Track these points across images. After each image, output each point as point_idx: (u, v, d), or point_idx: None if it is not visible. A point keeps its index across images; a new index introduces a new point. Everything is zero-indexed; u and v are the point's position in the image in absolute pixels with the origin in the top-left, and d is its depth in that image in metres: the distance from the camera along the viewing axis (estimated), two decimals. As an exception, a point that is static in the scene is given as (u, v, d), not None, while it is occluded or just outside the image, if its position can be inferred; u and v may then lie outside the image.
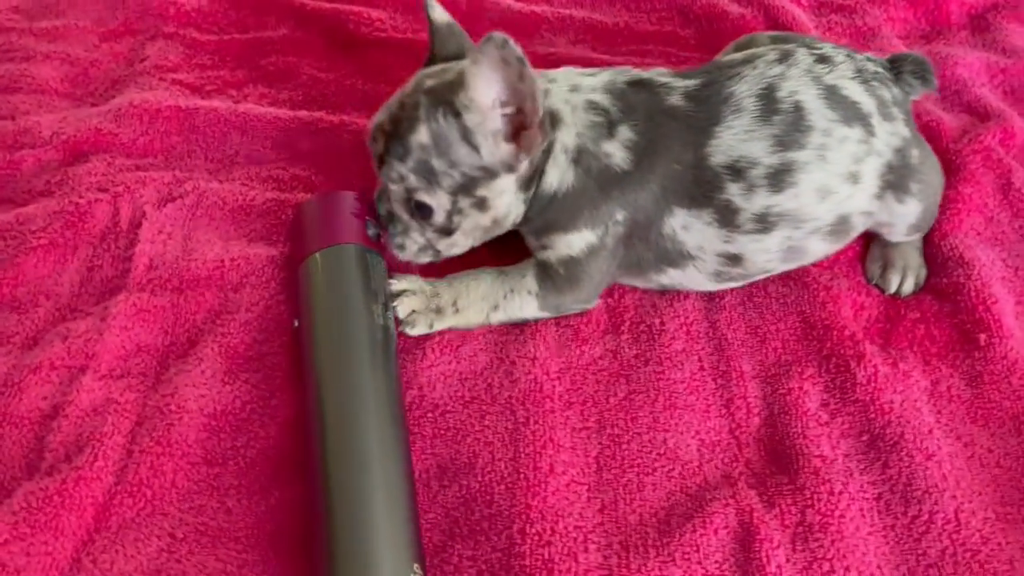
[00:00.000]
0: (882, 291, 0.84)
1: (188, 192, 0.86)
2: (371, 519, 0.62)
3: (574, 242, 0.76)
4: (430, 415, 0.73)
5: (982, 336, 0.78)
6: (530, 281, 0.78)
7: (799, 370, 0.77)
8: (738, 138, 0.74)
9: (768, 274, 0.82)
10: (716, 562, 0.64)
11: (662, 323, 0.80)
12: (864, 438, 0.72)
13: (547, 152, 0.74)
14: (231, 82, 1.00)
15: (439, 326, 0.78)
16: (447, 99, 0.70)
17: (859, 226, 0.80)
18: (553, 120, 0.74)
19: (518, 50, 0.64)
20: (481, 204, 0.73)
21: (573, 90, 0.76)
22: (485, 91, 0.68)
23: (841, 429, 0.73)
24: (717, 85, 0.77)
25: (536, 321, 0.79)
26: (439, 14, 0.78)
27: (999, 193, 0.91)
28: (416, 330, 0.77)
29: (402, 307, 0.77)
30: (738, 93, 0.76)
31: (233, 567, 0.64)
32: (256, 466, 0.70)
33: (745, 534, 0.66)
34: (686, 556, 0.64)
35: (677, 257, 0.78)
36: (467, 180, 0.72)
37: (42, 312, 0.78)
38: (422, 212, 0.74)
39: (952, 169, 0.90)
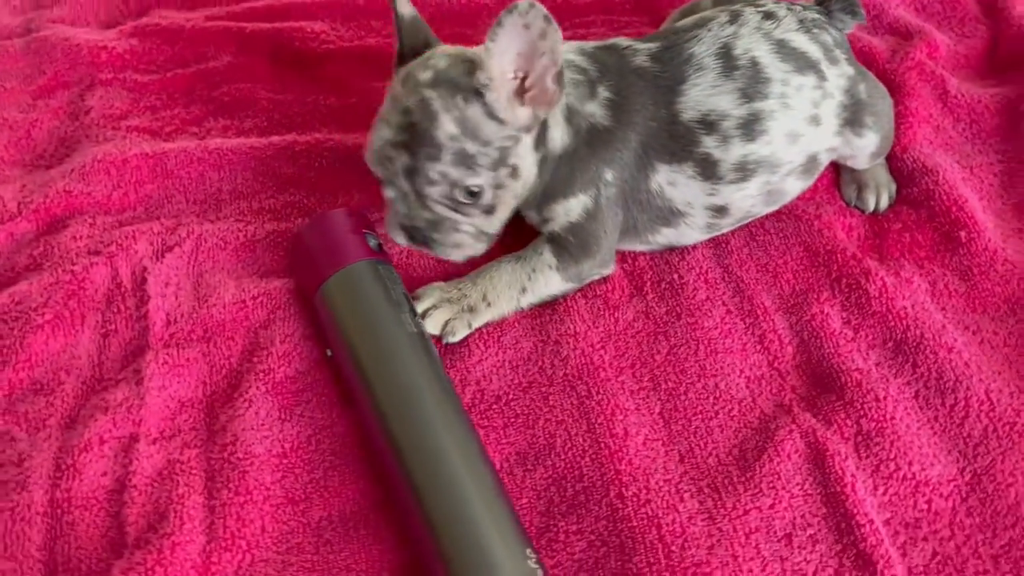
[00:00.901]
0: (862, 211, 0.91)
1: (184, 238, 0.84)
2: (475, 521, 0.64)
3: (572, 208, 0.79)
4: (495, 407, 0.75)
5: (962, 233, 0.86)
6: (548, 256, 0.81)
7: (815, 296, 0.82)
8: (705, 93, 0.79)
9: (754, 217, 0.87)
10: (799, 484, 0.69)
11: (680, 277, 0.84)
12: (889, 345, 0.79)
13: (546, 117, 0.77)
14: (189, 119, 0.97)
15: (477, 324, 0.79)
16: (462, 84, 0.71)
17: (825, 161, 0.87)
18: None
19: (543, 10, 0.67)
20: (514, 172, 0.76)
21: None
22: (501, 64, 0.71)
23: (867, 341, 0.79)
24: (677, 47, 0.81)
25: (564, 296, 0.82)
26: (405, 7, 0.78)
27: (939, 102, 1.00)
28: (457, 336, 0.78)
29: (433, 323, 0.78)
30: (698, 53, 0.81)
31: (353, 594, 0.65)
32: (341, 494, 0.70)
33: (815, 454, 0.71)
34: (772, 485, 0.69)
35: (669, 215, 0.82)
36: (501, 153, 0.73)
37: (69, 388, 0.75)
38: (473, 197, 0.74)
39: (893, 88, 0.98)
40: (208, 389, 0.76)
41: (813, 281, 0.84)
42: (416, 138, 0.72)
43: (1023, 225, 0.89)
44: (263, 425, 0.73)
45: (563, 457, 0.71)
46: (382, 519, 0.69)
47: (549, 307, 0.82)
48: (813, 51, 0.82)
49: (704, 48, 0.81)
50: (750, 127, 0.79)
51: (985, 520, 0.68)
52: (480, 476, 0.67)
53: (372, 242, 0.79)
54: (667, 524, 0.66)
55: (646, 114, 0.79)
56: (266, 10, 1.07)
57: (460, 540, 0.64)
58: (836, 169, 0.94)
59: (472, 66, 0.72)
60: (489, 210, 0.77)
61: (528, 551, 0.63)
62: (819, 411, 0.75)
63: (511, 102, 0.72)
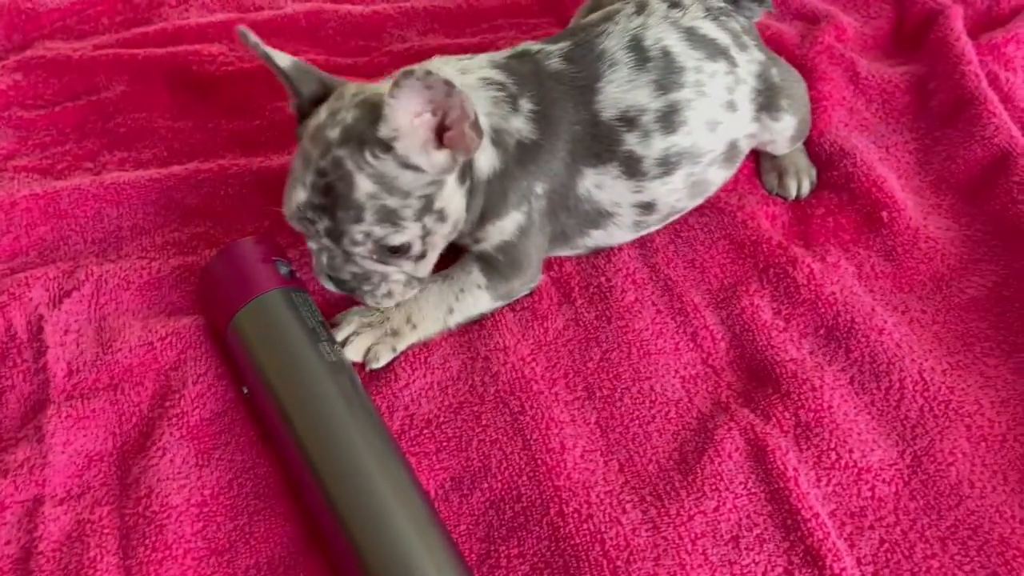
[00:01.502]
0: (784, 199, 0.91)
1: (83, 281, 0.79)
2: (409, 555, 0.61)
3: (506, 227, 0.77)
4: (426, 432, 0.72)
5: (884, 214, 0.87)
6: (477, 276, 0.78)
7: (744, 288, 0.82)
8: (621, 89, 0.78)
9: (681, 213, 0.86)
10: (742, 483, 0.68)
11: (608, 280, 0.82)
12: (821, 332, 0.78)
13: None
14: (82, 155, 0.92)
15: (402, 347, 0.76)
16: (369, 138, 0.67)
17: (746, 148, 0.87)
18: None
19: (441, 77, 0.63)
20: (441, 215, 0.72)
21: (463, 72, 0.76)
22: (408, 114, 0.67)
23: (799, 330, 0.79)
24: (588, 44, 0.80)
25: (492, 313, 0.79)
26: (282, 60, 0.73)
27: (850, 84, 1.00)
28: (381, 362, 0.75)
29: (355, 349, 0.75)
30: (609, 48, 0.79)
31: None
32: (268, 539, 0.66)
33: (755, 450, 0.70)
34: (714, 487, 0.68)
35: (597, 217, 0.81)
36: (424, 201, 0.70)
37: (-34, 453, 0.70)
38: (400, 252, 0.72)
39: (805, 73, 0.98)
40: (118, 440, 0.72)
41: (741, 274, 0.83)
42: (335, 201, 0.68)
43: (941, 201, 0.90)
44: (179, 473, 0.69)
45: (499, 478, 0.69)
46: (313, 562, 0.65)
47: (476, 323, 0.79)
48: (722, 38, 0.82)
49: (615, 42, 0.79)
50: (669, 119, 0.78)
51: (929, 502, 0.67)
52: (412, 507, 0.64)
53: (283, 270, 0.75)
54: (611, 538, 0.64)
55: (569, 119, 0.77)
56: (159, 35, 1.03)
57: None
58: (756, 159, 0.93)
59: (378, 113, 0.67)
60: (419, 257, 0.74)
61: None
62: (756, 405, 0.73)
63: (425, 148, 0.69)
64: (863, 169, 0.90)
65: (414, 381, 0.75)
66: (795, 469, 0.68)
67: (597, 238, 0.83)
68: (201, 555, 0.65)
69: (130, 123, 0.95)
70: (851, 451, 0.70)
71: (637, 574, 0.62)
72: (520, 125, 0.75)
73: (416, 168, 0.69)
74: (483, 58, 0.79)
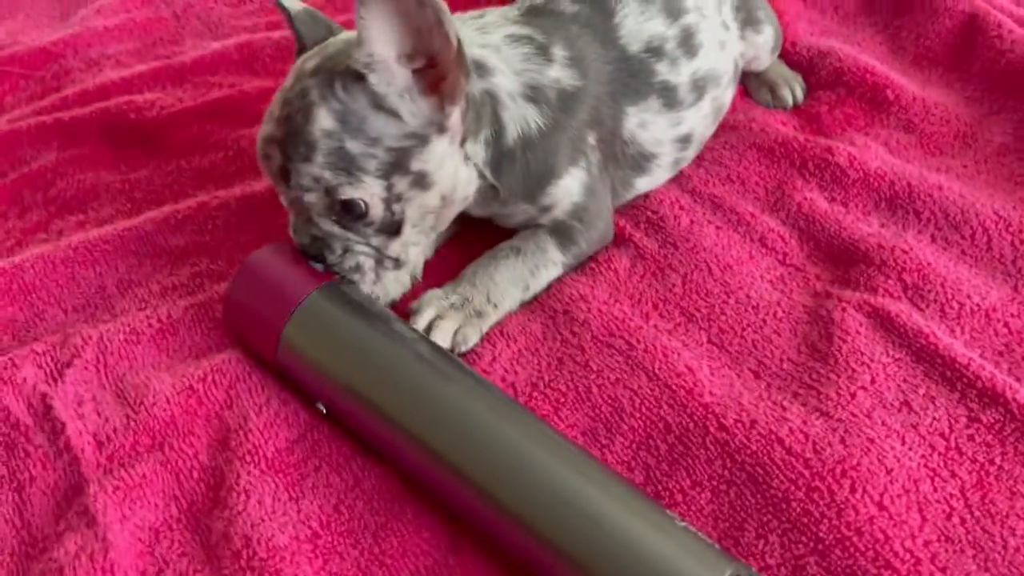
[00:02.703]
0: (784, 109, 0.90)
1: (81, 347, 0.68)
2: (591, 506, 0.52)
3: (572, 187, 0.72)
4: (536, 394, 0.64)
5: (887, 93, 0.88)
6: (553, 252, 0.72)
7: (790, 186, 0.79)
8: (638, 22, 0.75)
9: (704, 143, 0.84)
10: (883, 352, 0.64)
11: (655, 212, 0.78)
12: (883, 206, 0.77)
13: (493, 106, 0.68)
14: (30, 228, 0.81)
15: (487, 327, 0.69)
16: (341, 68, 0.60)
17: (739, 69, 0.86)
18: (480, 69, 0.67)
19: None
20: (421, 180, 0.64)
21: (482, 31, 0.71)
22: (384, 39, 0.59)
23: (862, 209, 0.77)
24: None
25: None
26: (293, 3, 0.69)
27: (798, 2, 1.02)
28: (470, 344, 0.67)
29: (442, 334, 0.66)
30: None
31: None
32: (405, 554, 0.56)
33: (880, 321, 0.66)
34: (860, 362, 0.63)
35: (642, 162, 0.77)
36: (396, 155, 0.61)
37: (8, 562, 0.57)
38: (354, 213, 0.62)
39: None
40: (183, 503, 0.60)
41: (781, 175, 0.81)
42: (290, 134, 0.60)
43: (929, 76, 0.92)
44: (275, 512, 0.58)
45: (638, 416, 0.62)
46: (466, 562, 0.56)
47: (540, 285, 0.73)
48: None
49: None
50: (688, 44, 0.77)
51: (1065, 320, 0.65)
52: (571, 457, 0.55)
53: (317, 266, 0.67)
54: (787, 435, 0.58)
55: (600, 60, 0.73)
56: (81, 97, 0.93)
57: (599, 544, 0.51)
58: (744, 86, 0.93)
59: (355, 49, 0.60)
60: (390, 229, 0.65)
61: (676, 520, 0.52)
62: (857, 284, 0.70)
63: (410, 92, 0.61)
64: (848, 62, 0.91)
65: (500, 354, 0.67)
66: (927, 326, 0.65)
67: (641, 185, 0.79)
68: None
69: (75, 186, 0.84)
70: (969, 297, 0.68)
71: (831, 459, 0.57)
72: (558, 74, 0.70)
73: (392, 112, 0.61)
74: (497, 14, 0.74)
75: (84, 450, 0.62)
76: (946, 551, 0.53)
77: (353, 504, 0.59)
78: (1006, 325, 0.66)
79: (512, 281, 0.70)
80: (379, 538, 0.57)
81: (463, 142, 0.66)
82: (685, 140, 0.79)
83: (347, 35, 0.67)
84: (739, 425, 0.59)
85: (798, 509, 0.55)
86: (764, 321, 0.68)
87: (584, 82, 0.71)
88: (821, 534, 0.53)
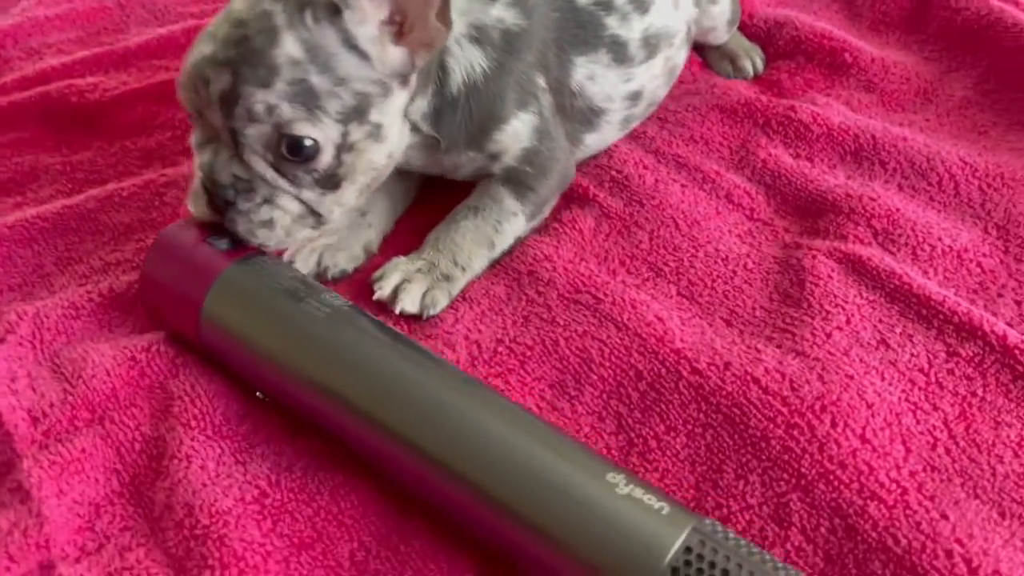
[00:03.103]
0: (745, 79, 0.89)
1: (15, 323, 0.64)
2: (538, 464, 0.48)
3: (520, 131, 0.69)
4: (500, 349, 0.61)
5: (846, 56, 0.88)
6: (510, 202, 0.69)
7: (754, 143, 0.78)
8: None
9: (656, 104, 0.82)
10: (857, 294, 0.62)
11: (619, 172, 0.76)
12: (848, 158, 0.77)
13: (440, 53, 0.65)
14: (-35, 212, 0.77)
15: (456, 291, 0.66)
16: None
17: (693, 32, 0.85)
18: None
19: None
20: (376, 133, 0.60)
21: None
22: None
23: (828, 163, 0.76)
24: None
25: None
26: None
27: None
28: (439, 308, 0.64)
29: (410, 299, 0.63)
30: None
31: None
32: (366, 514, 0.53)
33: (852, 265, 0.65)
34: (834, 303, 0.62)
35: (591, 116, 0.75)
36: (359, 100, 0.58)
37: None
38: (302, 154, 0.57)
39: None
40: (124, 476, 0.56)
41: (744, 134, 0.80)
42: (245, 54, 0.55)
43: (887, 39, 0.92)
44: (219, 476, 0.54)
45: (607, 366, 0.59)
46: (422, 524, 0.52)
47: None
48: None
49: None
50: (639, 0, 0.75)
51: (1036, 257, 0.64)
52: (511, 415, 0.52)
53: (221, 245, 0.60)
54: (763, 375, 0.56)
55: (549, 5, 0.71)
56: (20, 83, 0.90)
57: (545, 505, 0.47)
58: (704, 59, 0.92)
59: None
60: (331, 181, 0.60)
61: (610, 475, 0.49)
62: (827, 233, 0.69)
63: (382, 36, 0.59)
64: (805, 30, 0.91)
65: (463, 316, 0.64)
66: (900, 268, 0.64)
67: (590, 143, 0.77)
68: (286, 555, 0.51)
69: (13, 168, 0.81)
70: (940, 239, 0.67)
71: (811, 395, 0.54)
72: (501, 13, 0.68)
73: (363, 55, 0.58)
74: None
75: (17, 426, 0.58)
76: (932, 480, 0.50)
77: (309, 463, 0.55)
78: (979, 264, 0.65)
79: (476, 241, 0.67)
80: (337, 496, 0.53)
81: (412, 97, 0.63)
82: (635, 97, 0.77)
83: None
84: (713, 368, 0.57)
85: (778, 447, 0.52)
86: (734, 272, 0.67)
87: (529, 22, 0.69)
88: (803, 470, 0.51)
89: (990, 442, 0.52)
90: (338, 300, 0.58)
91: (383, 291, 0.63)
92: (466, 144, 0.68)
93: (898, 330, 0.60)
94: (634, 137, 0.81)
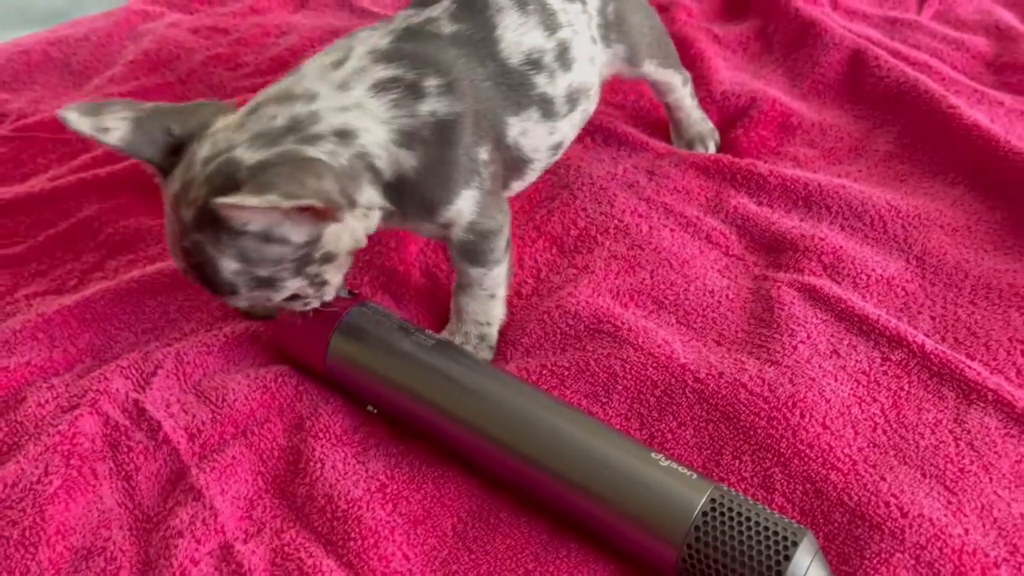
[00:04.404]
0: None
1: (162, 361, 0.78)
2: (599, 452, 0.65)
3: (464, 208, 0.74)
4: (545, 372, 0.77)
5: (792, 119, 1.06)
6: (475, 272, 0.79)
7: (726, 194, 0.95)
8: (517, 34, 0.77)
9: (566, 148, 0.87)
10: (813, 315, 0.79)
11: (620, 220, 0.92)
12: (800, 204, 0.93)
13: (366, 162, 0.68)
14: (87, 268, 0.90)
15: (494, 340, 0.81)
16: (222, 226, 0.61)
17: (602, 81, 0.89)
18: (344, 137, 0.66)
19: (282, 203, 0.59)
20: (330, 256, 0.67)
21: (343, 88, 0.68)
22: (246, 217, 0.61)
23: (784, 208, 0.93)
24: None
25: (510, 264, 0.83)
26: (114, 134, 0.64)
27: (714, 43, 1.20)
28: (490, 359, 0.81)
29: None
30: None
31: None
32: (460, 497, 0.69)
33: (807, 293, 0.82)
34: (798, 323, 0.78)
35: (521, 166, 0.81)
36: (301, 258, 0.65)
37: (120, 539, 0.66)
38: (293, 299, 0.69)
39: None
40: (267, 477, 0.71)
41: (716, 185, 0.97)
42: (207, 279, 0.65)
43: (824, 100, 1.10)
44: (347, 473, 0.70)
45: (629, 378, 0.75)
46: (506, 501, 0.68)
47: (534, 293, 0.86)
48: None
49: None
50: (563, 57, 0.79)
51: (946, 282, 0.83)
52: (572, 414, 0.69)
53: (343, 292, 0.78)
54: (749, 380, 0.73)
55: (480, 77, 0.74)
56: (108, 156, 1.03)
57: (609, 480, 0.63)
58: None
59: (231, 186, 0.61)
60: (319, 286, 0.69)
61: (653, 454, 0.66)
62: (787, 267, 0.86)
63: (288, 222, 0.62)
64: (760, 95, 1.08)
65: (511, 357, 0.80)
66: (844, 294, 0.81)
67: (514, 188, 0.83)
68: (405, 528, 0.67)
69: (122, 231, 0.94)
70: (873, 269, 0.84)
71: (784, 395, 0.71)
72: (433, 107, 0.70)
73: (281, 240, 0.63)
74: (362, 53, 0.71)
75: (180, 442, 0.72)
76: (874, 454, 0.68)
77: (412, 461, 0.71)
78: (903, 288, 0.83)
79: (481, 302, 0.80)
80: (439, 484, 0.69)
81: (352, 205, 0.67)
82: (557, 147, 0.83)
83: (204, 158, 0.64)
84: (710, 377, 0.74)
85: (762, 434, 0.69)
86: (719, 302, 0.83)
87: (462, 106, 0.71)
88: (782, 450, 0.68)
89: (914, 424, 0.70)
90: (432, 334, 0.75)
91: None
92: (419, 217, 0.74)
93: (845, 342, 0.77)
94: (629, 186, 0.97)
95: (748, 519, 0.58)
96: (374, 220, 0.71)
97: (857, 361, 0.75)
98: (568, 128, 0.83)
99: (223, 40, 1.24)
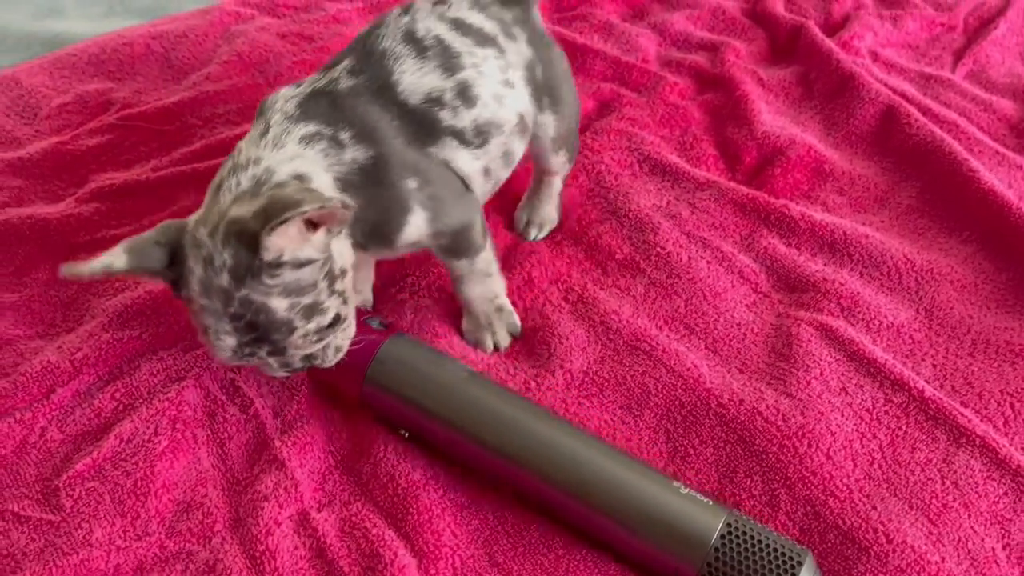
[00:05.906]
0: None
1: (249, 344, 0.87)
2: (618, 476, 0.72)
3: (417, 225, 0.78)
4: (587, 379, 0.85)
5: (825, 166, 1.12)
6: (460, 263, 0.85)
7: (758, 234, 1.02)
8: (415, 77, 0.78)
9: (500, 183, 0.89)
10: (827, 354, 0.87)
11: (663, 249, 1.00)
12: (825, 249, 1.00)
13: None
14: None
15: (510, 309, 0.91)
16: (259, 267, 0.65)
17: (531, 125, 0.90)
18: (302, 179, 0.70)
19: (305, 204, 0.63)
20: (344, 272, 0.72)
21: (278, 146, 0.72)
22: (278, 244, 0.65)
23: (810, 251, 1.00)
24: (367, 52, 0.80)
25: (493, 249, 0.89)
26: (118, 262, 0.67)
27: (758, 87, 1.26)
28: (518, 327, 0.91)
29: (502, 340, 0.90)
30: (389, 47, 0.79)
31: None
32: (497, 495, 0.78)
33: (824, 332, 0.89)
34: (813, 359, 0.86)
35: (467, 183, 0.83)
36: (328, 275, 0.70)
37: (215, 496, 0.76)
38: (336, 323, 0.72)
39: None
40: (337, 455, 0.80)
41: (751, 224, 1.04)
42: (264, 330, 0.67)
43: (856, 149, 1.16)
44: (405, 457, 0.79)
45: (659, 397, 0.84)
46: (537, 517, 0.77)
47: (580, 302, 0.95)
48: (489, 27, 0.85)
49: (391, 41, 0.79)
50: (465, 95, 0.80)
51: (950, 334, 0.89)
52: (593, 443, 0.75)
53: (376, 323, 0.82)
54: (766, 408, 0.81)
55: (387, 120, 0.76)
56: (206, 149, 1.12)
57: (633, 506, 0.70)
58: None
59: (253, 242, 0.64)
60: (345, 303, 0.73)
61: (675, 483, 0.73)
62: (807, 307, 0.93)
63: (305, 242, 0.67)
64: (798, 140, 1.15)
65: (555, 350, 0.88)
66: (857, 337, 0.89)
67: (485, 193, 0.87)
68: (456, 509, 0.76)
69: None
70: (885, 316, 0.91)
71: (796, 426, 0.79)
72: (352, 155, 0.74)
73: (309, 261, 0.68)
74: (279, 119, 0.74)
75: (266, 419, 0.82)
76: (869, 485, 0.76)
77: (455, 467, 0.80)
78: (911, 337, 0.90)
79: (482, 284, 0.88)
80: (481, 479, 0.78)
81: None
82: (487, 174, 0.85)
83: (209, 234, 0.66)
84: (732, 403, 0.82)
85: (772, 459, 0.77)
86: (744, 334, 0.91)
87: (377, 149, 0.75)
88: (788, 474, 0.76)
89: (907, 461, 0.78)
90: (465, 365, 0.81)
91: (488, 350, 0.89)
92: (380, 248, 0.79)
93: (854, 381, 0.85)
94: (671, 217, 1.04)
95: (759, 541, 0.67)
96: (348, 243, 0.74)
97: (862, 400, 0.83)
98: (488, 159, 0.84)
99: (308, 47, 1.32)
